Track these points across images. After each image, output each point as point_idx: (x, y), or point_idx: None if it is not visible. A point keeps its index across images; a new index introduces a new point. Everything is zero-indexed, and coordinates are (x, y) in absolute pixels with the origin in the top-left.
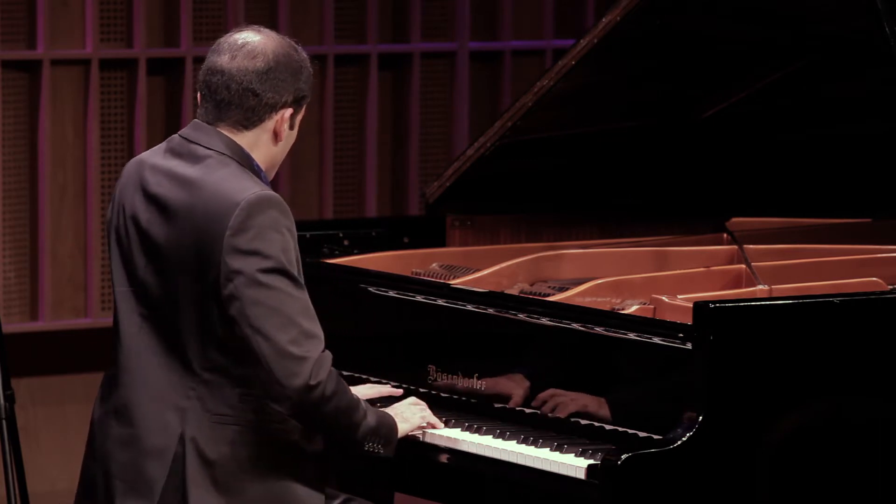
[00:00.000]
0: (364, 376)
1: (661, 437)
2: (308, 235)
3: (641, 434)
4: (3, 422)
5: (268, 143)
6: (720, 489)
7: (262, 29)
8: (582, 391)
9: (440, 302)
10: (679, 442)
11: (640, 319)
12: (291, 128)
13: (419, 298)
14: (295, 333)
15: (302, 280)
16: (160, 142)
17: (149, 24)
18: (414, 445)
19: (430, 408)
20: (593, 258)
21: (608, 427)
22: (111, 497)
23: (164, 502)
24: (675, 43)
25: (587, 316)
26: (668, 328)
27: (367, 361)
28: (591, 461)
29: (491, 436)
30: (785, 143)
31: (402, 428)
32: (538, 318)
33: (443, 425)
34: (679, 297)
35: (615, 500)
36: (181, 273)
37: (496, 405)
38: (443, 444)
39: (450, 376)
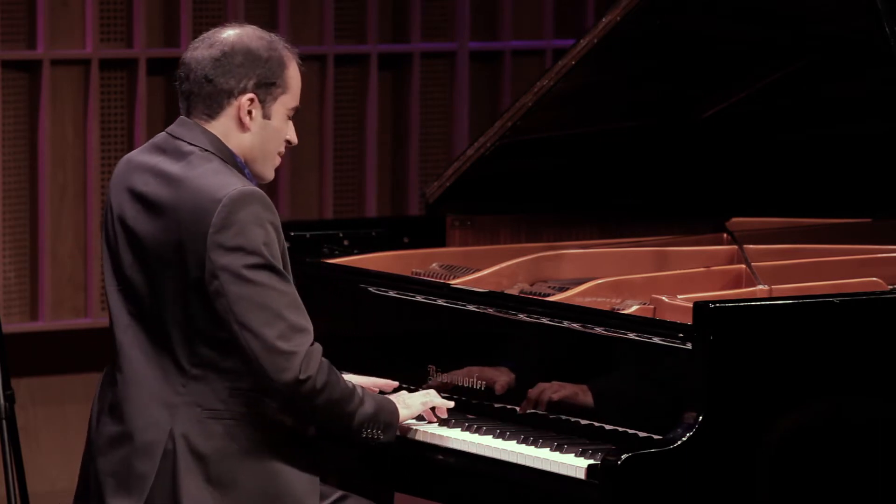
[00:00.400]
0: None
1: (661, 437)
2: (308, 235)
3: (641, 434)
4: (3, 422)
5: (236, 132)
6: (720, 489)
7: (245, 25)
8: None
9: (440, 302)
10: (679, 442)
11: (640, 319)
12: (267, 117)
13: (419, 298)
14: (282, 328)
15: (289, 274)
16: None
17: (149, 24)
18: (414, 445)
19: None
20: (593, 258)
21: (608, 427)
22: (101, 495)
23: (153, 498)
24: (675, 43)
25: (587, 316)
26: (668, 328)
27: (367, 361)
28: (591, 461)
29: (491, 436)
30: (785, 143)
31: (404, 414)
32: (538, 318)
33: (451, 404)
34: (679, 297)
35: (615, 500)
36: (166, 269)
37: (496, 405)
38: (442, 443)
39: (450, 376)
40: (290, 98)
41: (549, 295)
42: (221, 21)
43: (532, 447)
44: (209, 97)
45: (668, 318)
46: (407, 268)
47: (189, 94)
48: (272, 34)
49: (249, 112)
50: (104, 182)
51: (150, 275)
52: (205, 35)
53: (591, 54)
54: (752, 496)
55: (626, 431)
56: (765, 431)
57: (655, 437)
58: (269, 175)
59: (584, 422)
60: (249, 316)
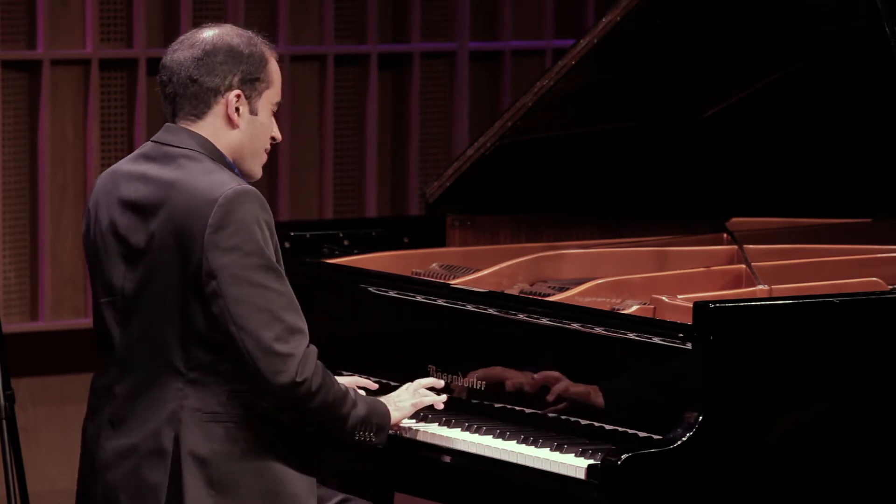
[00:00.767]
0: (364, 377)
1: (661, 437)
2: (308, 235)
3: (641, 434)
4: (3, 422)
5: (225, 130)
6: (720, 489)
7: (222, 24)
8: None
9: (440, 302)
10: (679, 442)
11: (640, 319)
12: (254, 113)
13: (419, 298)
14: (279, 330)
15: (283, 272)
16: None
17: (149, 24)
18: (414, 445)
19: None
20: (593, 258)
21: (608, 427)
22: None
23: None
24: (675, 43)
25: (587, 316)
26: (668, 328)
27: (367, 361)
28: (591, 461)
29: (491, 436)
30: (785, 143)
31: (395, 416)
32: (538, 318)
33: (444, 397)
34: (679, 297)
35: (615, 500)
36: (163, 274)
37: (496, 405)
38: (442, 443)
39: (450, 376)
40: (273, 93)
41: (549, 295)
42: (221, 21)
43: (532, 447)
44: (195, 97)
45: (669, 318)
46: (407, 268)
47: (174, 97)
48: (250, 31)
49: (237, 109)
50: None
51: (145, 282)
52: (183, 37)
53: (591, 54)
54: (752, 496)
55: (626, 431)
56: (765, 431)
57: (655, 436)
58: (258, 172)
59: (584, 422)
60: (246, 318)
